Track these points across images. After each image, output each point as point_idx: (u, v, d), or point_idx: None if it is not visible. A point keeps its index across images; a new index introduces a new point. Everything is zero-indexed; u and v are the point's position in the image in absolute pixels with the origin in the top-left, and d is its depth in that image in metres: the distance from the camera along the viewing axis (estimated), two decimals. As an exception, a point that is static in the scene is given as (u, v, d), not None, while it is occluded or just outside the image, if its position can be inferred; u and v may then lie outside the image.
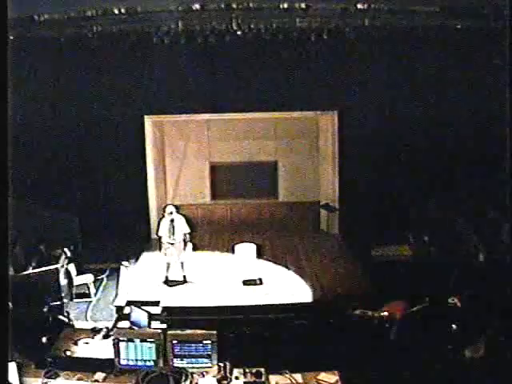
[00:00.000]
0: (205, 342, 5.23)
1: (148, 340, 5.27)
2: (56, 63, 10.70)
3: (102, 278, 10.19)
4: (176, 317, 8.22)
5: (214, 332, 5.30)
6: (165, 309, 8.59)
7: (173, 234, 9.40)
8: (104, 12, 9.94)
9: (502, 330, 6.42)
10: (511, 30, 6.12)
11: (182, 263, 9.64)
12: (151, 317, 6.62)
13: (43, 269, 9.66)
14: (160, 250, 9.76)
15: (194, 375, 5.19)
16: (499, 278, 7.90)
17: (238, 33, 10.13)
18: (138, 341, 5.29)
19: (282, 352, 6.19)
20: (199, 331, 5.50)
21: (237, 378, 5.21)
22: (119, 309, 8.53)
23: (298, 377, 5.26)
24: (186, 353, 5.25)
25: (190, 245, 9.86)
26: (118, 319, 7.70)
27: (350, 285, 9.49)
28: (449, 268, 9.24)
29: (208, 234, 12.71)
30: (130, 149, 11.71)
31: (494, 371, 5.55)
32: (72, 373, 5.38)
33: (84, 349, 5.99)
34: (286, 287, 9.49)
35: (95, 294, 9.56)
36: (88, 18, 9.98)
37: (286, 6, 9.87)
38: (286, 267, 10.32)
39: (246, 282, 9.56)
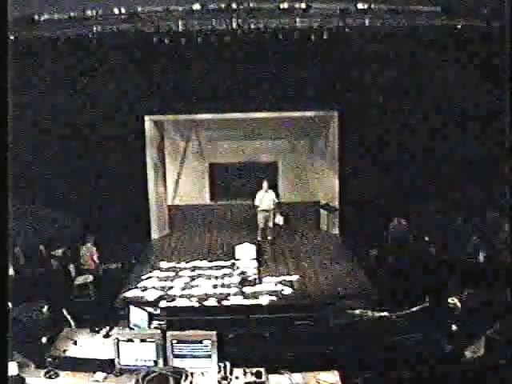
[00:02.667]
0: (205, 342, 5.23)
1: (148, 340, 5.27)
2: (56, 63, 10.70)
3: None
4: (176, 317, 8.24)
5: (214, 332, 5.29)
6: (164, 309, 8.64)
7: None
8: (104, 12, 9.97)
9: (501, 330, 6.42)
10: (511, 30, 6.12)
11: (272, 226, 11.89)
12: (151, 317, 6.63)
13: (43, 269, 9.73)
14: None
15: (194, 375, 5.19)
16: (499, 278, 7.91)
17: (238, 33, 10.15)
18: (137, 341, 5.29)
19: (282, 352, 6.19)
20: (199, 331, 5.50)
21: (237, 377, 5.21)
22: (119, 309, 8.54)
23: (298, 377, 5.26)
24: (186, 353, 5.25)
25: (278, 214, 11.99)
26: (118, 319, 7.71)
27: (350, 285, 9.49)
28: (449, 268, 9.26)
29: (208, 233, 12.70)
30: (130, 149, 11.71)
31: (494, 371, 5.55)
32: (72, 373, 5.38)
33: (84, 349, 5.99)
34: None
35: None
36: (88, 18, 10.01)
37: (285, 6, 9.90)
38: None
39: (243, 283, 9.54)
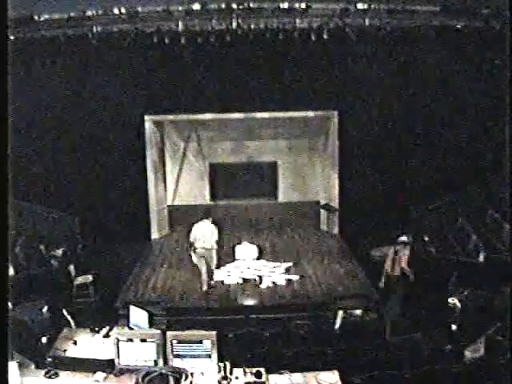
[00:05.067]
0: (205, 342, 5.22)
1: (148, 340, 5.27)
2: (56, 63, 10.71)
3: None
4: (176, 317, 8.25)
5: (214, 332, 5.29)
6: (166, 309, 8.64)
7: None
8: (104, 12, 9.98)
9: (501, 330, 6.42)
10: (511, 30, 6.13)
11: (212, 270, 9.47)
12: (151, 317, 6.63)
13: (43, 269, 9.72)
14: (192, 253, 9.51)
15: (194, 375, 5.19)
16: (499, 278, 7.91)
17: (238, 33, 10.16)
18: (137, 341, 5.28)
19: (282, 352, 6.19)
20: (199, 331, 5.50)
21: (237, 377, 5.21)
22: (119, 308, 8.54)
23: (298, 377, 5.26)
24: (186, 353, 5.24)
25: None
26: (118, 319, 7.71)
27: (350, 285, 9.49)
28: (449, 268, 9.25)
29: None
30: (130, 149, 11.71)
31: (494, 371, 5.55)
32: (72, 373, 5.37)
33: (84, 349, 5.98)
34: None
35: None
36: (88, 18, 10.02)
37: (285, 6, 9.91)
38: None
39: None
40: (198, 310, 8.71)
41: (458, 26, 10.31)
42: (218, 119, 12.12)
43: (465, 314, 7.43)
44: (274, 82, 11.04)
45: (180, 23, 10.18)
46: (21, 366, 5.23)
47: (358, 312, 8.41)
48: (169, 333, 5.36)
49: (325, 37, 10.33)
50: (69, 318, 7.44)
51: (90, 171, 11.57)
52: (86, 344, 6.06)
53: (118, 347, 5.31)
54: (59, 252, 10.35)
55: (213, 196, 13.41)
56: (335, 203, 12.21)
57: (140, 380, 5.08)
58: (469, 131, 11.20)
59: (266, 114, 11.80)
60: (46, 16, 10.00)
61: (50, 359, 5.62)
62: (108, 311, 8.62)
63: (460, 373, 5.64)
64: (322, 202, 12.73)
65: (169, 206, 13.18)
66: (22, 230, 10.16)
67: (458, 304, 7.61)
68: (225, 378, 5.18)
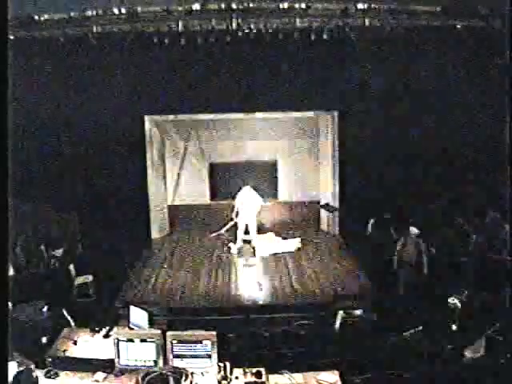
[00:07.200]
0: (205, 342, 5.23)
1: (148, 340, 5.27)
2: (56, 63, 10.71)
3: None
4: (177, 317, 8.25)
5: (214, 332, 5.30)
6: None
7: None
8: (104, 12, 9.97)
9: (501, 330, 6.43)
10: (511, 30, 6.13)
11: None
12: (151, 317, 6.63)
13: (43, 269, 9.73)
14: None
15: (194, 375, 5.19)
16: (499, 277, 7.92)
17: (238, 33, 10.15)
18: (137, 341, 5.29)
19: (282, 352, 6.19)
20: (199, 331, 5.51)
21: (237, 377, 5.21)
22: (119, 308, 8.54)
23: (298, 377, 5.26)
24: (186, 353, 5.25)
25: None
26: (118, 319, 7.71)
27: (350, 285, 9.48)
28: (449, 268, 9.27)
29: (208, 233, 12.69)
30: (130, 149, 11.70)
31: (494, 371, 5.55)
32: (72, 373, 5.38)
33: (84, 349, 5.99)
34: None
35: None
36: (88, 18, 10.01)
37: (286, 5, 9.89)
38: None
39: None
40: (198, 310, 8.71)
41: (458, 26, 10.30)
42: (217, 119, 12.12)
43: (465, 313, 7.44)
44: (274, 82, 11.03)
45: (180, 23, 10.17)
46: (21, 365, 5.24)
47: (358, 312, 8.41)
48: (169, 333, 5.37)
49: (325, 37, 10.33)
50: (69, 318, 7.44)
51: (90, 171, 11.56)
52: (86, 344, 6.07)
53: (117, 347, 5.31)
54: (59, 252, 10.35)
55: (213, 196, 13.41)
56: (335, 203, 12.21)
57: (140, 380, 5.08)
58: (469, 131, 11.19)
59: (266, 114, 11.80)
60: (46, 16, 9.98)
61: (50, 359, 5.63)
62: (108, 311, 8.62)
63: (460, 373, 5.65)
64: (322, 202, 12.73)
65: (169, 205, 13.17)
66: (21, 230, 10.17)
67: (458, 304, 7.61)
68: (225, 378, 5.19)
